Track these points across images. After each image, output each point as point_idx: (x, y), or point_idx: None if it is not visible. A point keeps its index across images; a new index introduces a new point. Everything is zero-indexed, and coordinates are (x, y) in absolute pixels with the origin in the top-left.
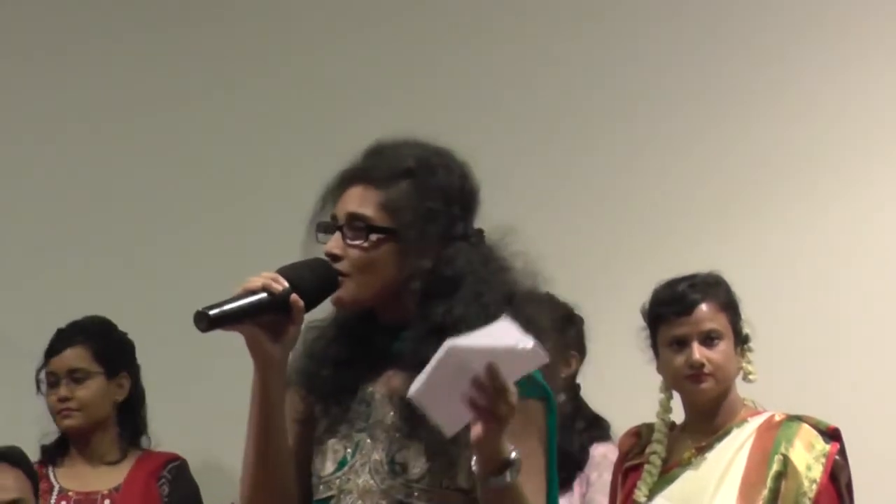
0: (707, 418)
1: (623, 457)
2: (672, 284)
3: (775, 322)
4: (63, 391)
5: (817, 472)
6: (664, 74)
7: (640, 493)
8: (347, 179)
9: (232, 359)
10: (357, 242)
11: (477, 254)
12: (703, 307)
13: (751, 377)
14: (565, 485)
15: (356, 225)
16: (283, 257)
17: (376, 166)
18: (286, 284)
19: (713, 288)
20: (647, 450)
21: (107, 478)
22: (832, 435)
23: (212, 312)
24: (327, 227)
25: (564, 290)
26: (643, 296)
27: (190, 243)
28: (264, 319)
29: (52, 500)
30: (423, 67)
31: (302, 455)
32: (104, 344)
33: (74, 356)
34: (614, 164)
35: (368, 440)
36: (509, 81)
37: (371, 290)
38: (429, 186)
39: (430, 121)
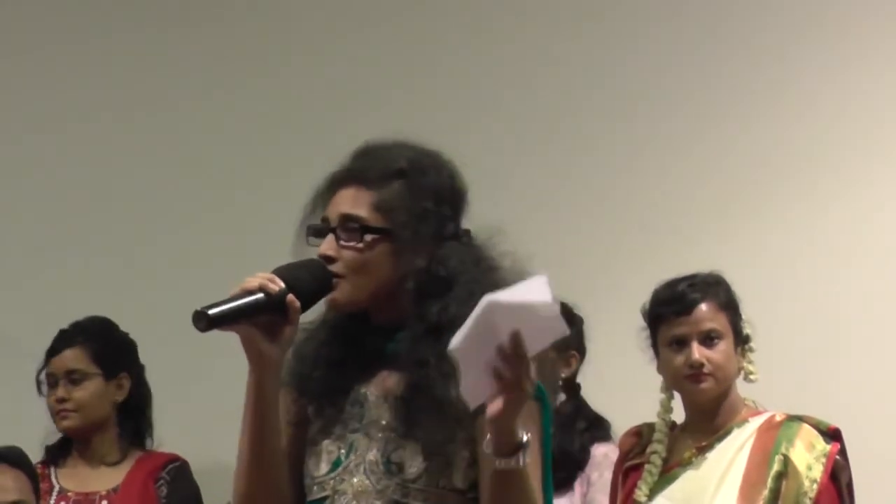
0: (707, 418)
1: (624, 456)
2: (672, 284)
3: (775, 322)
4: (60, 392)
5: (818, 472)
6: (664, 74)
7: (641, 493)
8: (338, 181)
9: (232, 359)
10: (351, 244)
11: (468, 253)
12: (703, 307)
13: (752, 377)
14: (566, 485)
15: (350, 226)
16: (283, 257)
17: (368, 167)
18: (283, 285)
19: (713, 288)
20: (648, 449)
21: (106, 478)
22: (833, 435)
23: (211, 312)
24: (318, 230)
25: (564, 290)
26: (643, 296)
27: (190, 243)
28: (260, 320)
29: (52, 501)
30: (423, 67)
31: (295, 456)
32: (102, 345)
33: (72, 357)
34: (614, 164)
35: (363, 441)
36: (509, 81)
37: (366, 290)
38: (421, 186)
39: (430, 121)
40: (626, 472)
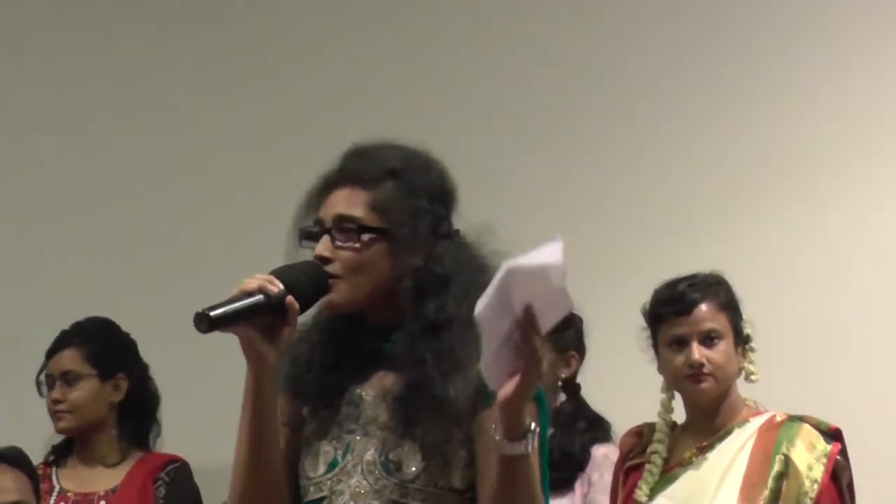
0: (708, 418)
1: (624, 456)
2: (672, 284)
3: (775, 322)
4: (56, 393)
5: (818, 472)
6: (664, 74)
7: (641, 493)
8: (331, 183)
9: (232, 359)
10: (349, 244)
11: (463, 252)
12: (703, 307)
13: (753, 377)
14: (567, 485)
15: (346, 226)
16: (283, 258)
17: (361, 168)
18: (281, 287)
19: (713, 288)
20: (649, 449)
21: (105, 479)
22: (833, 435)
23: (213, 313)
24: (311, 233)
25: None
26: (643, 296)
27: (190, 243)
28: (258, 321)
29: (52, 501)
30: (423, 67)
31: (290, 457)
32: (99, 345)
33: (68, 358)
34: (614, 164)
35: (359, 441)
36: (509, 81)
37: (364, 290)
38: (414, 185)
39: (430, 121)
40: (627, 472)
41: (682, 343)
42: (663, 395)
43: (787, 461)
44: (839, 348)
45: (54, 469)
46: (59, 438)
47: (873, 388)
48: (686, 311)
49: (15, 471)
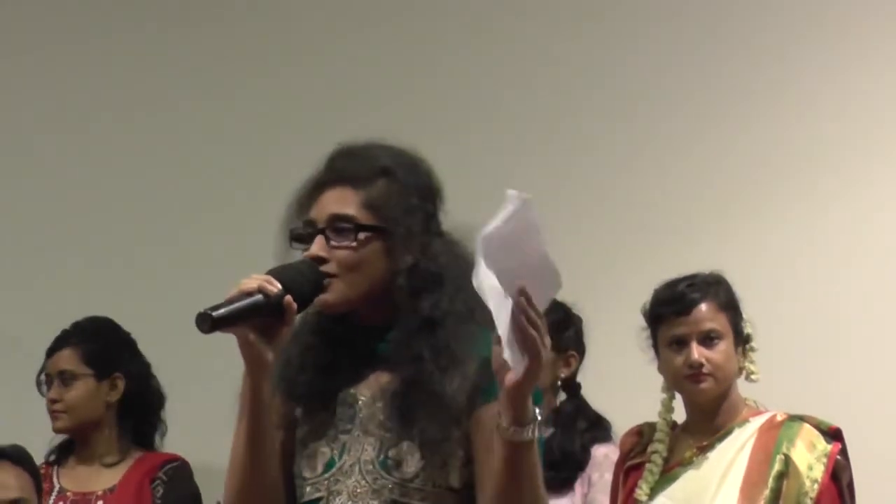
0: (708, 418)
1: (624, 456)
2: (672, 284)
3: (775, 322)
4: (53, 393)
5: (819, 471)
6: (664, 74)
7: (642, 493)
8: (322, 183)
9: (232, 359)
10: (344, 243)
11: (454, 249)
12: (703, 307)
13: (753, 377)
14: (567, 485)
15: (340, 226)
16: (276, 260)
17: (351, 167)
18: (280, 287)
19: (713, 288)
20: (649, 449)
21: (104, 478)
22: (834, 435)
23: (216, 314)
24: (303, 235)
25: (564, 290)
26: (643, 296)
27: (190, 243)
28: (256, 321)
29: (52, 500)
30: (423, 67)
31: (284, 459)
32: (95, 345)
33: (64, 358)
34: (614, 164)
35: (356, 441)
36: (509, 81)
37: (360, 289)
38: (405, 183)
39: (430, 121)
40: (627, 472)
41: (681, 343)
42: (664, 395)
43: (788, 461)
44: (839, 348)
45: (55, 468)
46: (59, 439)
47: (873, 388)
48: (686, 311)
49: (17, 468)
